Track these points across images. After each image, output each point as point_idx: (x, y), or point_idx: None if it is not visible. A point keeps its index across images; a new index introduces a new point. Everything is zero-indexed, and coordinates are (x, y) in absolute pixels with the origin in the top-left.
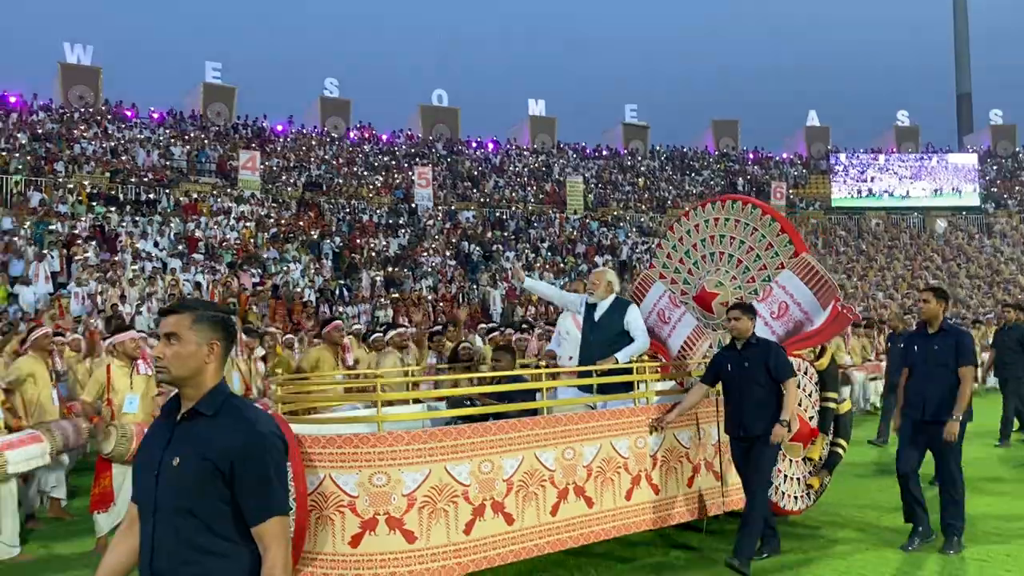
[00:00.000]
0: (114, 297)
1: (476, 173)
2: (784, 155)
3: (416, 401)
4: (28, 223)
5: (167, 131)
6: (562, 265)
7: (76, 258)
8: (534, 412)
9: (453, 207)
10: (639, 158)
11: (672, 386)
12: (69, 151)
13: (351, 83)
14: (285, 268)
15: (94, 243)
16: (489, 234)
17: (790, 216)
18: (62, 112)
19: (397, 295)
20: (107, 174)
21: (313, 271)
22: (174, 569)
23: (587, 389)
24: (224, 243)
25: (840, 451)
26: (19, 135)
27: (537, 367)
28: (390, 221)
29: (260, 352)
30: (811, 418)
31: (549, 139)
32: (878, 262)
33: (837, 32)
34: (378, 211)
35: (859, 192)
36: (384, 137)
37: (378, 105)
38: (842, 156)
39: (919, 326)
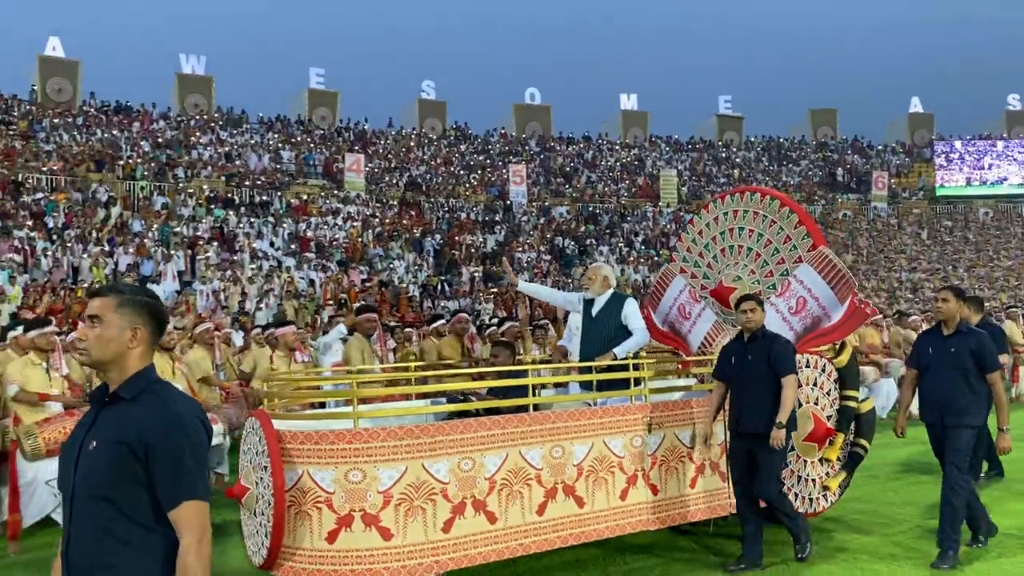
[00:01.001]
0: (236, 294)
1: (568, 169)
2: (885, 143)
3: (422, 396)
4: (155, 226)
5: (276, 136)
6: (656, 259)
7: (199, 258)
8: (535, 408)
9: (547, 203)
10: (734, 149)
11: (679, 383)
12: (187, 157)
13: (447, 84)
14: (390, 265)
15: (215, 244)
16: (583, 229)
17: (893, 206)
18: (180, 120)
19: (496, 290)
20: (223, 178)
21: (416, 267)
22: (87, 557)
23: (587, 386)
24: (333, 242)
25: (861, 451)
26: (143, 143)
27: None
28: (486, 218)
29: (392, 344)
30: (829, 417)
31: (641, 133)
32: (986, 254)
33: (938, 11)
34: (475, 208)
35: (967, 180)
36: (479, 136)
37: (473, 105)
38: (957, 144)
39: (934, 326)
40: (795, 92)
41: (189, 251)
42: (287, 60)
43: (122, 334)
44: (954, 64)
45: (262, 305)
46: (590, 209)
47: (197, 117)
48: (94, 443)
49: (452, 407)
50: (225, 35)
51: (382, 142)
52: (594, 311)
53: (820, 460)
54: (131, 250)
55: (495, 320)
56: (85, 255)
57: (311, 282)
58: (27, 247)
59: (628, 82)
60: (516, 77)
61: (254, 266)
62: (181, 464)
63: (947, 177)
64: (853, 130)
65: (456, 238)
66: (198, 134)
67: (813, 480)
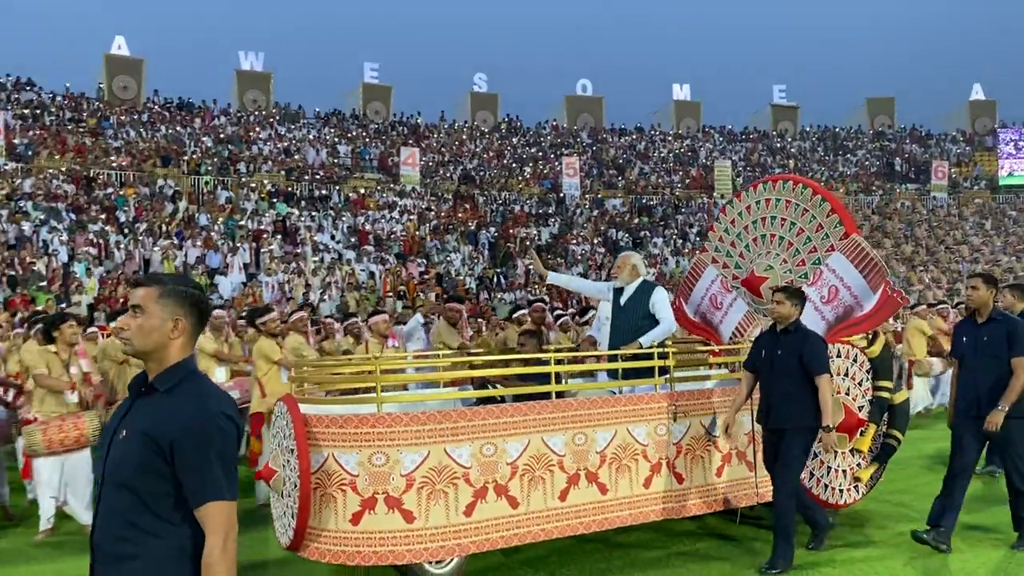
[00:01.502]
0: (300, 286)
1: (621, 161)
2: (945, 132)
3: (451, 384)
4: (220, 219)
5: (332, 130)
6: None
7: (263, 251)
8: (560, 395)
9: (600, 195)
10: (788, 139)
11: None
12: (248, 152)
13: (498, 77)
14: (447, 258)
15: (279, 237)
16: (636, 221)
17: (953, 196)
18: (239, 116)
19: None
20: (282, 172)
21: (472, 260)
22: (111, 545)
23: (614, 374)
24: (391, 235)
25: (894, 443)
26: (205, 139)
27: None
28: (540, 211)
29: (468, 333)
30: (860, 408)
31: (694, 123)
32: None
33: None
34: (528, 201)
35: None
36: (528, 128)
37: (524, 97)
38: None
39: (968, 315)
40: (851, 81)
41: (254, 244)
42: (341, 55)
43: (164, 324)
44: (1019, 50)
45: (325, 297)
46: (643, 201)
47: (256, 113)
48: (124, 432)
49: (473, 393)
50: (282, 32)
51: (435, 136)
52: (623, 300)
53: (851, 451)
54: (199, 243)
55: (571, 310)
56: (155, 248)
57: (371, 274)
58: (101, 240)
59: (681, 72)
60: (567, 69)
61: (316, 259)
62: (206, 464)
63: (1014, 166)
64: (911, 119)
65: (510, 231)
66: (257, 129)
67: (843, 471)
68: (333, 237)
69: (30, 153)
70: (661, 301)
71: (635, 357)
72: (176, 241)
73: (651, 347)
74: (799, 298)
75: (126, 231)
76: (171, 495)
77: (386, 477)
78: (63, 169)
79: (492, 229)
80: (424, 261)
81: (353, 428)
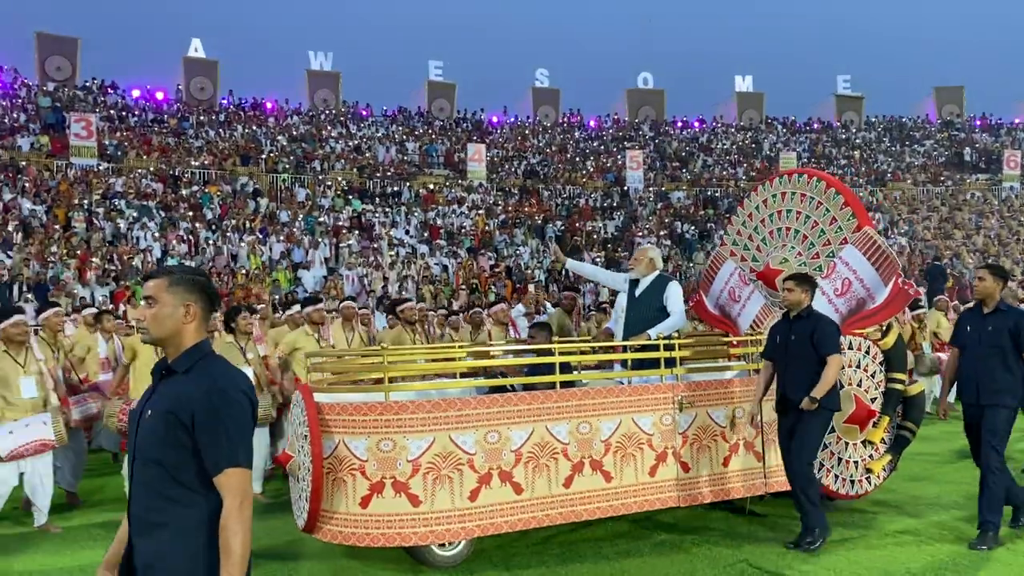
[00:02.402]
0: (379, 279)
1: (683, 153)
2: (1017, 120)
3: (469, 374)
4: (300, 216)
5: (399, 128)
6: None
7: (342, 246)
8: (571, 384)
9: (664, 188)
10: (853, 130)
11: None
12: (321, 150)
13: (559, 72)
14: (516, 251)
15: (356, 232)
16: (701, 213)
17: None
18: (311, 115)
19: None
20: (355, 170)
21: (540, 253)
22: (143, 515)
23: (624, 365)
24: (461, 230)
25: (908, 434)
26: (280, 138)
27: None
28: (604, 204)
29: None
30: (873, 399)
31: (757, 115)
32: None
33: None
34: (592, 195)
35: None
36: (592, 123)
37: (585, 91)
38: None
39: (975, 304)
40: (917, 70)
41: (333, 239)
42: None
43: (176, 311)
44: None
45: (403, 290)
46: (708, 193)
47: (326, 112)
48: (149, 412)
49: (481, 382)
50: (349, 32)
51: (498, 131)
52: (638, 292)
53: (863, 442)
54: (282, 238)
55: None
56: (242, 243)
57: (444, 268)
58: (190, 236)
59: (742, 64)
60: (628, 62)
61: (392, 253)
62: (223, 433)
63: None
64: (980, 108)
65: (576, 224)
66: (328, 128)
67: (855, 462)
68: (407, 232)
69: (119, 154)
70: (675, 295)
71: (644, 348)
72: (260, 237)
73: (659, 338)
74: (809, 284)
75: (213, 228)
76: (194, 467)
77: (393, 462)
78: (151, 169)
79: (558, 223)
80: (494, 255)
81: (362, 415)
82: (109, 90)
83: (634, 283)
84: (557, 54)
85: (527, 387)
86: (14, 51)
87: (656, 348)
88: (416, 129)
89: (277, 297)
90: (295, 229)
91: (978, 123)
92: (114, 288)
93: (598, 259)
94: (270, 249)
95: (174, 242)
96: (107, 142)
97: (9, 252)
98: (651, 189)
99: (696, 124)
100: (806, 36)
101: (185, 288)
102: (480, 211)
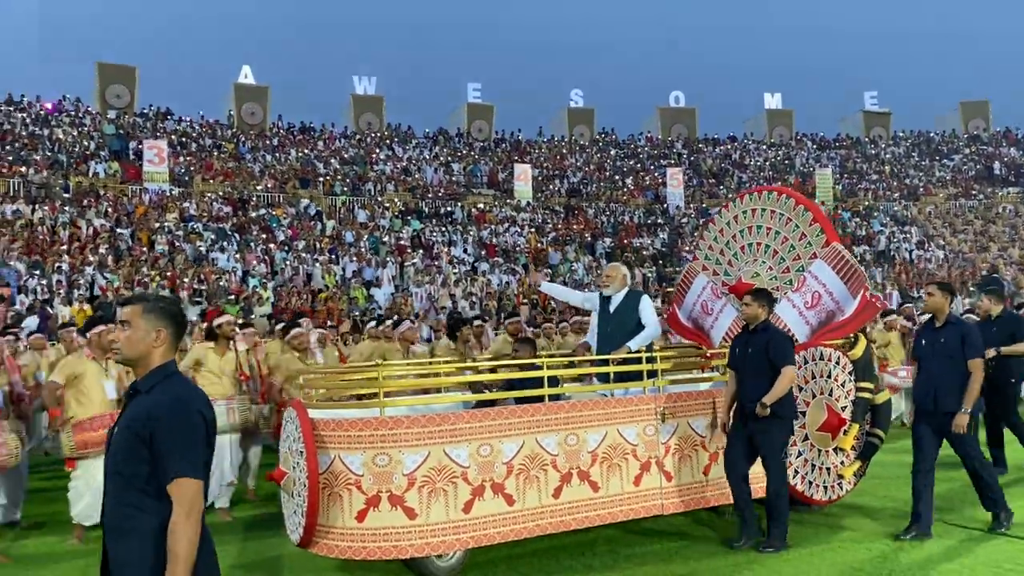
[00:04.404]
0: (444, 296)
1: (717, 170)
2: None
3: (472, 389)
4: (364, 236)
5: (443, 150)
6: None
7: (407, 264)
8: (556, 398)
9: (704, 204)
10: (882, 145)
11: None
12: (373, 172)
13: (593, 91)
14: (570, 267)
15: (420, 251)
16: None
17: None
18: (358, 138)
19: (671, 289)
20: (407, 191)
21: (594, 269)
22: (113, 522)
23: (604, 378)
24: (516, 247)
25: (877, 441)
26: (332, 160)
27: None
28: (648, 221)
29: None
30: (843, 408)
31: (787, 131)
32: None
33: None
34: (635, 212)
35: None
36: (623, 140)
37: (618, 110)
38: None
39: (929, 319)
40: (942, 85)
41: (399, 258)
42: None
43: (148, 336)
44: None
45: (465, 305)
46: None
47: (372, 135)
48: (116, 429)
49: (468, 397)
50: (391, 56)
51: (536, 151)
52: (612, 307)
53: (835, 449)
54: (354, 258)
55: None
56: (316, 264)
57: (503, 283)
58: (267, 257)
59: (771, 81)
60: (659, 81)
61: (455, 271)
62: (175, 446)
63: None
64: (1005, 122)
65: (624, 241)
66: (377, 151)
67: (828, 469)
68: (465, 251)
69: (186, 178)
70: (647, 308)
71: (625, 361)
72: (330, 256)
73: (639, 351)
74: (766, 299)
75: (286, 248)
76: (153, 477)
77: (389, 476)
78: (220, 193)
79: (607, 240)
80: (549, 271)
81: (357, 431)
82: (166, 117)
83: (606, 300)
84: (590, 74)
85: (519, 400)
86: (74, 81)
87: (638, 361)
88: (459, 150)
89: (357, 314)
90: (362, 249)
91: (1004, 136)
92: (205, 307)
93: (649, 275)
94: (343, 269)
95: (253, 262)
96: (171, 167)
97: (106, 274)
98: (692, 205)
99: (727, 141)
100: (833, 53)
101: (158, 315)
102: (531, 229)
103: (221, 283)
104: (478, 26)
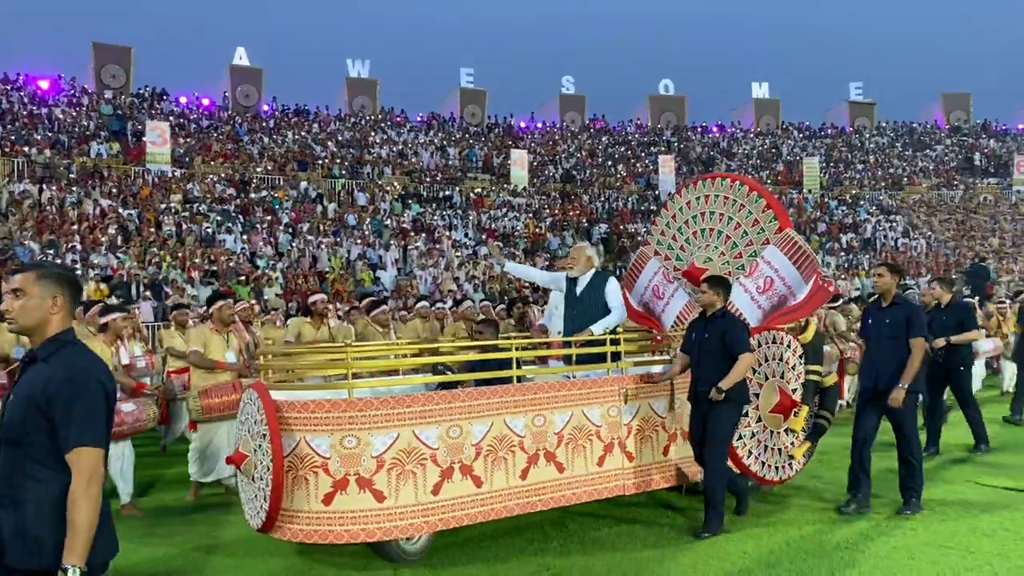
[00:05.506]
0: (449, 280)
1: (706, 158)
2: (1021, 126)
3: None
4: (367, 220)
5: (439, 134)
6: (809, 243)
7: (410, 248)
8: (518, 380)
9: None
10: (866, 135)
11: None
12: (369, 155)
13: (584, 79)
14: (567, 252)
15: (423, 234)
16: None
17: None
18: (353, 121)
19: None
20: (406, 175)
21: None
22: (6, 491)
23: (569, 360)
24: (515, 232)
25: (825, 423)
26: (329, 143)
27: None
28: (641, 207)
29: None
30: (794, 390)
31: (773, 120)
32: None
33: None
34: (628, 199)
35: None
36: (614, 127)
37: (608, 98)
38: None
39: (875, 299)
40: (925, 76)
41: (402, 241)
42: (437, 60)
43: (44, 302)
44: None
45: (477, 289)
46: None
47: (367, 118)
48: (11, 397)
49: (435, 378)
50: (384, 39)
51: (528, 137)
52: (578, 290)
53: (786, 431)
54: (358, 241)
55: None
56: (321, 246)
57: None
58: (272, 239)
59: (758, 71)
60: (649, 69)
61: (458, 254)
62: (74, 415)
63: None
64: (985, 114)
65: (619, 227)
66: (372, 134)
67: (779, 450)
68: (466, 234)
69: (187, 159)
70: (614, 291)
71: (589, 344)
72: (335, 239)
73: (603, 334)
74: (723, 287)
75: (290, 231)
76: (51, 447)
77: (357, 459)
78: (222, 175)
79: (602, 226)
80: (548, 255)
81: (325, 412)
82: (161, 98)
83: (572, 281)
84: (582, 62)
85: (480, 383)
86: (71, 60)
87: (601, 343)
88: (453, 134)
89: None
90: (365, 232)
91: (983, 129)
92: (216, 288)
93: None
94: (348, 251)
95: (260, 244)
96: (172, 148)
97: (117, 254)
98: None
99: (715, 129)
100: (819, 43)
101: (53, 281)
102: (529, 215)
103: (231, 264)
104: (471, 11)
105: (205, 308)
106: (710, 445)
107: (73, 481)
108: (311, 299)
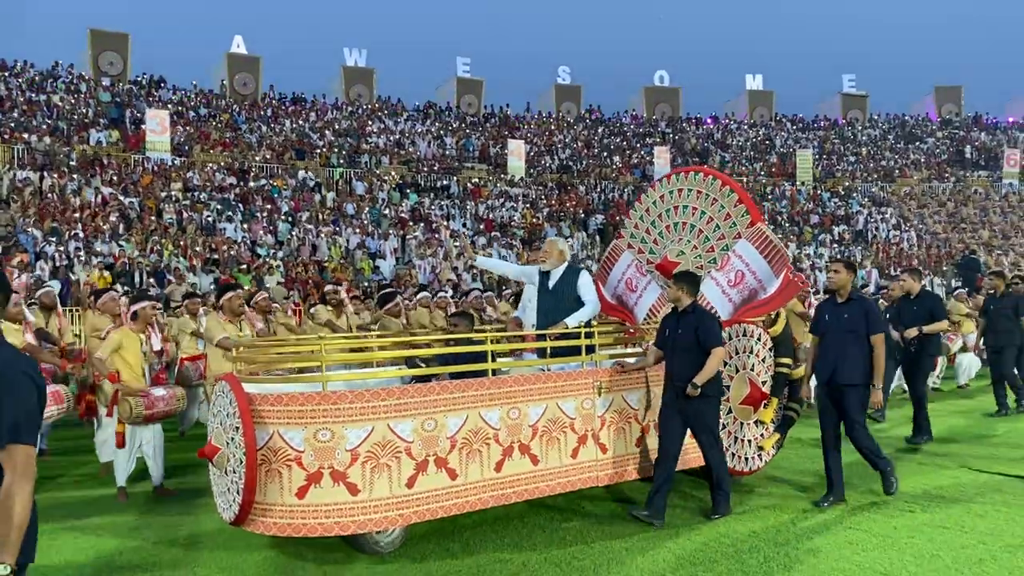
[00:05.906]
0: (447, 269)
1: (700, 149)
2: (1011, 119)
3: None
4: (365, 209)
5: (435, 123)
6: (801, 236)
7: (408, 237)
8: (494, 373)
9: None
10: (859, 127)
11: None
12: (366, 144)
13: (580, 69)
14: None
15: (422, 224)
16: None
17: None
18: (350, 110)
19: None
20: (403, 165)
21: (589, 244)
22: None
23: (543, 353)
24: (512, 222)
25: (794, 415)
26: (327, 132)
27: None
28: (636, 198)
29: None
30: (764, 383)
31: (767, 112)
32: None
33: None
34: (624, 190)
35: None
36: (609, 118)
37: (603, 88)
38: None
39: (829, 295)
40: (917, 69)
41: (400, 231)
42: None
43: None
44: None
45: (475, 279)
46: None
47: (365, 107)
48: None
49: (409, 372)
50: (381, 28)
51: (525, 127)
52: (550, 283)
53: (755, 422)
54: (357, 230)
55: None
56: (320, 235)
57: (503, 258)
58: (272, 227)
59: (752, 62)
60: (645, 60)
61: (457, 244)
62: (6, 411)
63: None
64: (976, 107)
65: (616, 217)
66: (370, 123)
67: (749, 441)
68: (464, 224)
69: (186, 148)
70: (586, 284)
71: (563, 337)
72: (334, 228)
73: (578, 327)
74: (689, 283)
75: (290, 219)
76: None
77: (332, 452)
78: (221, 163)
79: (599, 216)
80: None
81: (299, 405)
82: (159, 85)
83: (545, 275)
84: (578, 52)
85: (455, 376)
86: (67, 47)
87: (575, 336)
88: (450, 124)
89: (366, 284)
90: (364, 221)
91: (974, 122)
92: (218, 276)
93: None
94: (347, 240)
95: (260, 233)
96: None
97: (120, 242)
98: None
99: (709, 121)
100: (813, 36)
101: None
102: (526, 205)
103: (231, 253)
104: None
105: (214, 299)
106: (700, 438)
107: (6, 478)
108: (326, 289)
